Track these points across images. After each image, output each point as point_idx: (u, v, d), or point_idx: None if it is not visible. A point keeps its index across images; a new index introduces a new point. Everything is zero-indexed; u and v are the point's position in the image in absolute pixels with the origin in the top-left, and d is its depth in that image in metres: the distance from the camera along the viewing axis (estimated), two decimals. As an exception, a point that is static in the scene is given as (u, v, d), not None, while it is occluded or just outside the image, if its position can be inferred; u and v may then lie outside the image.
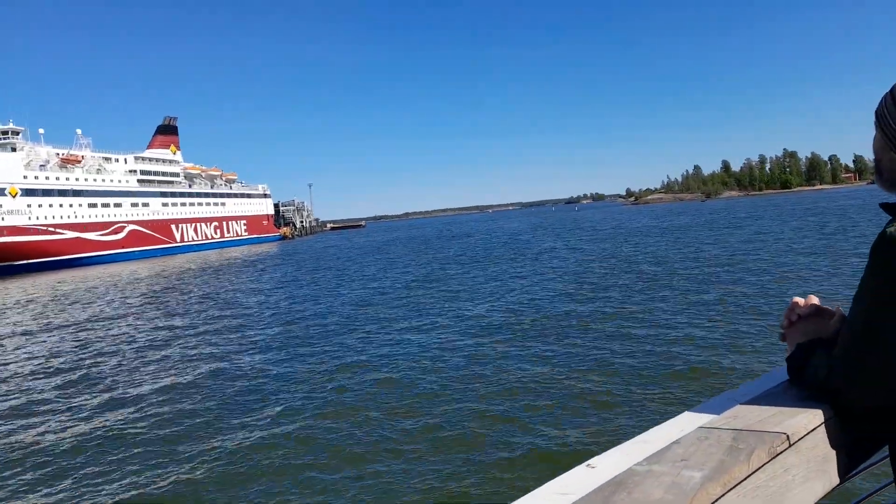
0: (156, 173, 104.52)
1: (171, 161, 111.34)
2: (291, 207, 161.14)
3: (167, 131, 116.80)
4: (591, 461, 1.18)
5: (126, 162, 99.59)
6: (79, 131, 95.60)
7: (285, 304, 26.21)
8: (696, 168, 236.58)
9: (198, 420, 10.95)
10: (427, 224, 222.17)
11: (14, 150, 79.19)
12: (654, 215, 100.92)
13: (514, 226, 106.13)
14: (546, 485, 1.09)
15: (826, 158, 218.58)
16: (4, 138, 78.78)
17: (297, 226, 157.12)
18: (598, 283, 23.94)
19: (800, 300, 1.58)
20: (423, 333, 16.85)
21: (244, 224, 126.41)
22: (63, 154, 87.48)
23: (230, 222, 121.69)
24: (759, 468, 1.11)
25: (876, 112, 1.41)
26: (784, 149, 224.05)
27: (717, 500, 1.01)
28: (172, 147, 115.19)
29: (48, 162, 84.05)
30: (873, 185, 1.71)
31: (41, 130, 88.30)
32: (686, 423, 1.35)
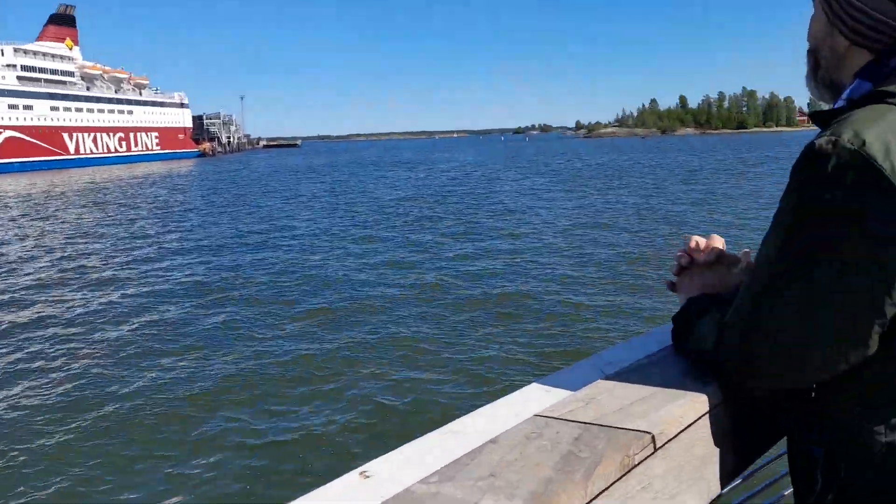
0: (43, 70, 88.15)
1: (64, 57, 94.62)
2: (217, 121, 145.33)
3: (62, 21, 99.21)
4: (367, 468, 0.82)
5: (3, 54, 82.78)
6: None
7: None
8: (653, 102, 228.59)
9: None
10: (370, 147, 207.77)
11: None
12: (620, 150, 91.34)
13: (465, 158, 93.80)
14: (312, 492, 0.76)
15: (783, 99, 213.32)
16: None
17: (223, 141, 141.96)
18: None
19: (700, 240, 1.17)
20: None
21: (156, 137, 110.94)
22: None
23: (138, 134, 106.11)
24: (606, 489, 0.77)
25: None
26: (743, 87, 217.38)
27: None
28: (68, 41, 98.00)
29: None
30: None
31: None
32: (523, 403, 0.97)
